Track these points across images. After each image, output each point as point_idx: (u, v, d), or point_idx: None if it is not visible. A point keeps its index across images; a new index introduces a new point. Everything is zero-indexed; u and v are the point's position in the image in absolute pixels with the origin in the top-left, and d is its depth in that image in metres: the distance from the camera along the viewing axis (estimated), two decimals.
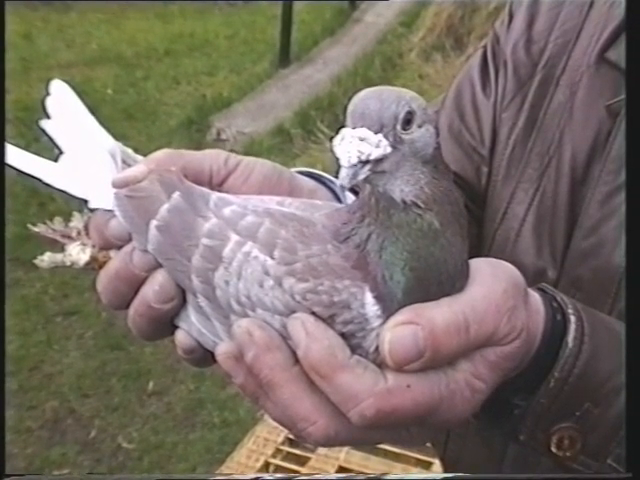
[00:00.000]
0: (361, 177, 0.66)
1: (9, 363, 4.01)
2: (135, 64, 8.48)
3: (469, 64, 1.24)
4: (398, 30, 8.73)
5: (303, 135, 6.70)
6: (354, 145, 0.66)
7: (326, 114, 6.94)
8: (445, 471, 1.33)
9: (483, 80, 1.19)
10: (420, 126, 0.70)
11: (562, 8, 1.13)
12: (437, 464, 2.69)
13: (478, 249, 1.13)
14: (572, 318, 0.79)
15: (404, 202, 0.69)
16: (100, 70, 8.18)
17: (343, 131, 0.67)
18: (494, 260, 0.76)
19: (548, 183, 1.08)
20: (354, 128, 0.67)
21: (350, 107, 0.69)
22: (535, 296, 0.78)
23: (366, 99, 0.69)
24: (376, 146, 0.66)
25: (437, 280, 0.70)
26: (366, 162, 0.66)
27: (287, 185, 0.88)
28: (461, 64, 6.91)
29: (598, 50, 1.06)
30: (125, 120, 6.80)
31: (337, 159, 0.68)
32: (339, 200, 0.94)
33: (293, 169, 0.93)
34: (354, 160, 0.66)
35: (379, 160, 0.67)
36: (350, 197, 0.93)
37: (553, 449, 0.80)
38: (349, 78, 7.64)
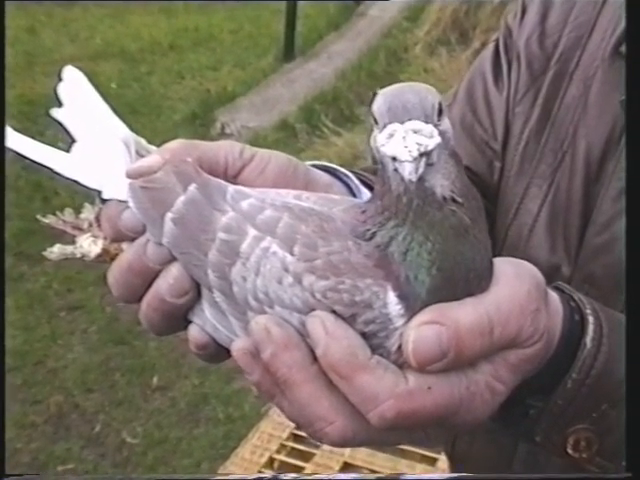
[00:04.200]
0: (421, 170, 0.65)
1: (14, 358, 4.01)
2: (139, 59, 8.48)
3: (481, 58, 1.23)
4: (403, 24, 8.71)
5: (307, 129, 6.69)
6: (410, 138, 0.65)
7: (330, 108, 6.92)
8: (452, 469, 1.32)
9: (495, 74, 1.18)
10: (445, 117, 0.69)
11: (576, 1, 1.12)
12: (442, 460, 2.69)
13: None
14: (590, 318, 0.77)
15: (444, 198, 0.67)
16: (104, 64, 8.17)
17: (390, 128, 0.66)
18: (515, 260, 0.75)
19: (562, 179, 1.06)
20: (402, 123, 0.66)
21: (384, 104, 0.68)
22: (554, 296, 0.76)
23: (402, 93, 0.68)
24: (430, 137, 0.65)
25: (464, 278, 0.68)
26: (422, 155, 0.65)
27: (302, 178, 0.86)
28: (466, 58, 6.91)
29: (613, 44, 1.05)
30: (129, 114, 6.77)
31: (384, 158, 0.67)
32: (354, 195, 0.93)
33: (307, 162, 0.91)
34: (415, 153, 0.64)
35: (429, 152, 0.66)
36: (365, 192, 0.92)
37: (569, 451, 0.78)
38: (354, 72, 7.62)
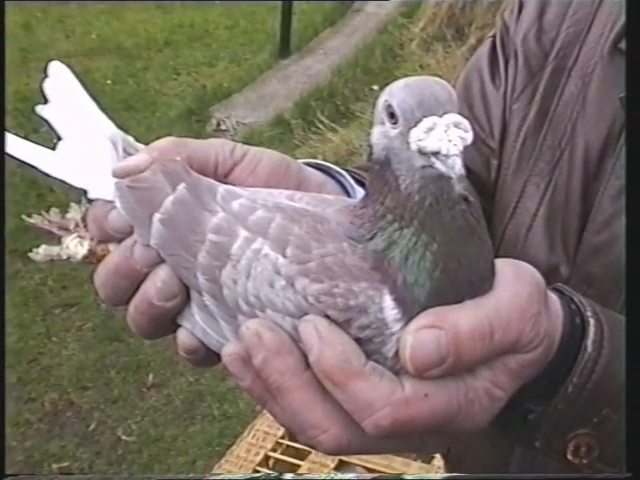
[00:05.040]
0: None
1: (8, 356, 4.00)
2: (135, 55, 8.45)
3: (478, 54, 1.21)
4: (399, 20, 8.68)
5: (303, 126, 6.67)
6: (453, 132, 0.63)
7: (326, 104, 6.91)
8: (448, 470, 1.31)
9: (492, 71, 1.16)
10: None
11: None
12: (438, 457, 2.67)
13: None
14: (591, 321, 0.75)
15: (459, 196, 0.65)
16: (100, 61, 8.15)
17: (427, 121, 0.64)
18: (514, 261, 0.73)
19: (560, 177, 1.05)
20: (440, 116, 0.64)
21: (411, 97, 0.65)
22: (553, 298, 0.75)
23: (428, 86, 0.66)
24: (467, 130, 0.64)
25: (468, 280, 0.67)
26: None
27: (295, 177, 0.84)
28: (462, 55, 6.89)
29: (612, 40, 1.03)
30: (125, 111, 6.77)
31: (401, 153, 0.65)
32: (348, 194, 0.91)
33: (300, 160, 0.89)
34: (460, 147, 0.62)
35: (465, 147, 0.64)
36: (360, 191, 0.91)
37: (569, 456, 0.77)
38: (349, 68, 7.60)
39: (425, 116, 0.64)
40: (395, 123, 0.66)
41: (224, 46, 8.76)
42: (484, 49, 1.20)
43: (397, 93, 0.67)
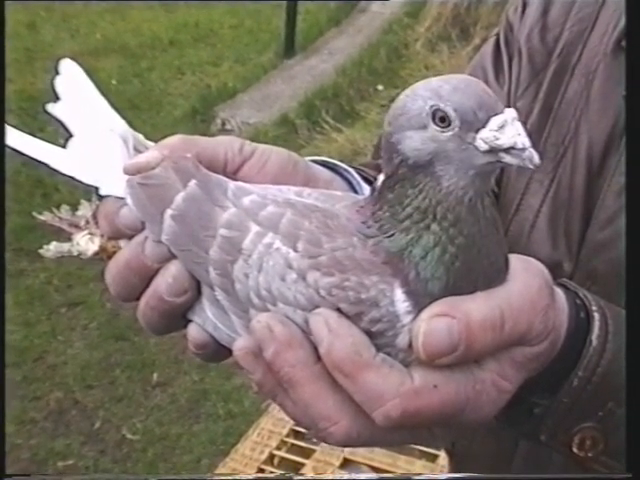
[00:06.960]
0: None
1: (14, 354, 4.01)
2: (139, 54, 8.45)
3: (481, 52, 1.22)
4: (404, 20, 8.68)
5: (308, 125, 6.67)
6: (518, 125, 0.64)
7: (331, 104, 6.90)
8: (452, 466, 1.31)
9: (496, 68, 1.17)
10: None
11: None
12: (443, 456, 2.67)
13: None
14: (596, 315, 0.76)
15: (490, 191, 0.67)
16: (104, 60, 8.15)
17: (497, 119, 0.64)
18: (522, 256, 0.74)
19: (563, 174, 1.06)
20: (503, 112, 0.65)
21: (467, 100, 0.66)
22: (559, 293, 0.76)
23: (475, 86, 0.67)
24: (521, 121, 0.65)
25: (483, 271, 0.68)
26: None
27: (303, 175, 0.85)
28: (467, 54, 6.89)
29: (615, 38, 1.04)
30: (129, 110, 6.76)
31: (496, 150, 0.65)
32: (355, 190, 0.92)
33: (307, 158, 0.90)
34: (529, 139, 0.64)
35: None
36: (366, 188, 0.91)
37: (574, 450, 0.78)
38: (354, 68, 7.59)
39: (490, 116, 0.65)
40: (447, 126, 0.66)
41: (229, 46, 8.76)
42: (488, 47, 1.21)
43: (450, 97, 0.66)
